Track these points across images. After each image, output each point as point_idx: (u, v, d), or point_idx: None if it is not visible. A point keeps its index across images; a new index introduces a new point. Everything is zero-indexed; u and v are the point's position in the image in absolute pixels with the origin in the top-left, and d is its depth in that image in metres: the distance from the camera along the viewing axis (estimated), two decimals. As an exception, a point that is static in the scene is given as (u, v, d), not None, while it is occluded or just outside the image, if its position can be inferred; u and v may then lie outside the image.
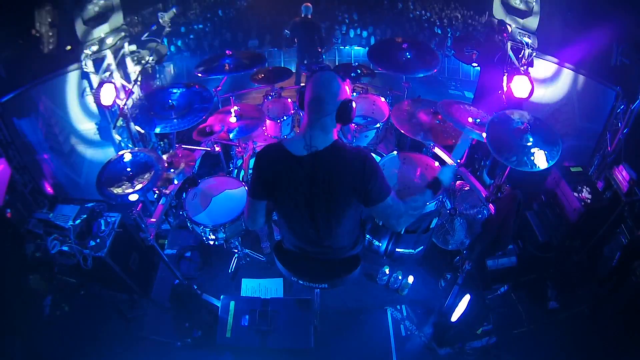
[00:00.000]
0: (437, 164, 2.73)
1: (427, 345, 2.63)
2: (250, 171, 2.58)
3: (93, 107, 3.60)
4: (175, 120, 2.52)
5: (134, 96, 3.31)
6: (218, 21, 7.46)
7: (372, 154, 2.67)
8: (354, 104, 1.56)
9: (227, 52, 3.04)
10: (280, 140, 1.65)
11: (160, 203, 2.58)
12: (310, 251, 1.86)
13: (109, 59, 3.53)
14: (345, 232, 1.80)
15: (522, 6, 3.37)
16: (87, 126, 3.64)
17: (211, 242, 2.57)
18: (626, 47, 2.84)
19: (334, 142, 1.57)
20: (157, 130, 2.53)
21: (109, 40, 3.48)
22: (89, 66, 3.44)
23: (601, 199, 2.73)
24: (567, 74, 3.44)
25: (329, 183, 1.57)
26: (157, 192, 2.59)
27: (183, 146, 2.93)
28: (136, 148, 3.40)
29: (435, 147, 2.95)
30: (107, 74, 3.52)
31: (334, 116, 1.55)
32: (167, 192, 2.57)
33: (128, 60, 3.82)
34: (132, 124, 3.41)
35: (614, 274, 2.84)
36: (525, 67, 3.47)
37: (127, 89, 3.56)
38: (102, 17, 3.42)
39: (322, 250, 1.84)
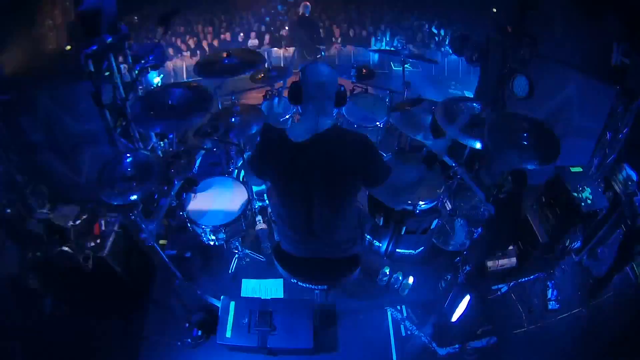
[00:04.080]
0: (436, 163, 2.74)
1: (427, 345, 2.63)
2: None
3: (93, 106, 3.59)
4: (175, 120, 2.51)
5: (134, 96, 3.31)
6: (217, 22, 7.47)
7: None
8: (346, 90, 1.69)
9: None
10: (283, 128, 1.67)
11: (160, 203, 2.57)
12: (306, 248, 1.86)
13: (109, 59, 3.52)
14: (343, 224, 1.80)
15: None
16: (87, 126, 3.63)
17: (211, 243, 2.57)
18: (626, 47, 2.84)
19: (334, 125, 1.63)
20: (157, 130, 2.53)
21: (110, 40, 3.47)
22: (89, 66, 3.43)
23: (601, 199, 2.73)
24: (567, 74, 3.44)
25: (331, 165, 1.61)
26: (157, 192, 2.59)
27: (183, 146, 2.93)
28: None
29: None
30: (107, 73, 3.51)
31: (333, 100, 1.64)
32: (167, 192, 2.56)
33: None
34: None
35: (614, 269, 2.85)
36: (526, 66, 3.46)
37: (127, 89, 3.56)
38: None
39: (319, 246, 1.84)
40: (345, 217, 1.79)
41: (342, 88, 1.66)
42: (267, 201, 2.96)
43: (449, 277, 2.92)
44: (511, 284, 3.00)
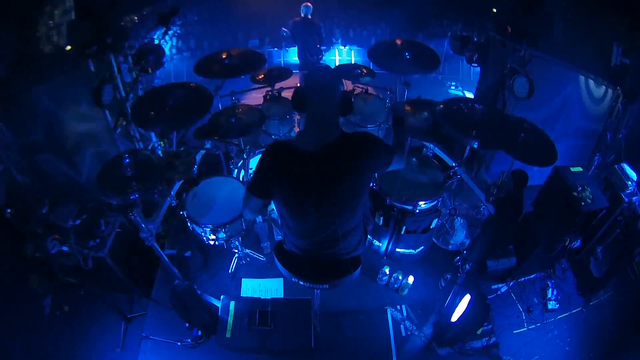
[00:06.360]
0: (436, 163, 2.74)
1: (427, 345, 2.63)
2: (251, 170, 2.58)
3: (93, 107, 3.59)
4: (174, 120, 2.51)
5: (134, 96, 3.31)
6: (217, 21, 7.47)
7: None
8: (352, 96, 1.62)
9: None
10: (288, 139, 1.65)
11: (160, 203, 2.57)
12: (315, 252, 1.85)
13: (109, 58, 3.53)
14: (353, 230, 1.80)
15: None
16: (87, 126, 3.63)
17: (211, 242, 2.57)
18: (626, 47, 2.84)
19: (341, 132, 1.62)
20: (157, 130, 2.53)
21: (109, 41, 3.47)
22: (89, 66, 3.43)
23: (601, 199, 2.73)
24: (567, 74, 3.44)
25: (347, 170, 1.60)
26: (157, 192, 2.59)
27: (183, 146, 2.93)
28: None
29: (435, 148, 2.95)
30: (108, 74, 3.52)
31: (339, 107, 1.60)
32: (167, 192, 2.56)
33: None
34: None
35: (614, 269, 2.85)
36: (525, 67, 3.47)
37: (127, 88, 3.56)
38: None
39: (325, 250, 1.84)
40: (355, 224, 1.79)
41: (349, 94, 1.62)
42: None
43: (449, 276, 2.92)
44: (511, 283, 3.01)
